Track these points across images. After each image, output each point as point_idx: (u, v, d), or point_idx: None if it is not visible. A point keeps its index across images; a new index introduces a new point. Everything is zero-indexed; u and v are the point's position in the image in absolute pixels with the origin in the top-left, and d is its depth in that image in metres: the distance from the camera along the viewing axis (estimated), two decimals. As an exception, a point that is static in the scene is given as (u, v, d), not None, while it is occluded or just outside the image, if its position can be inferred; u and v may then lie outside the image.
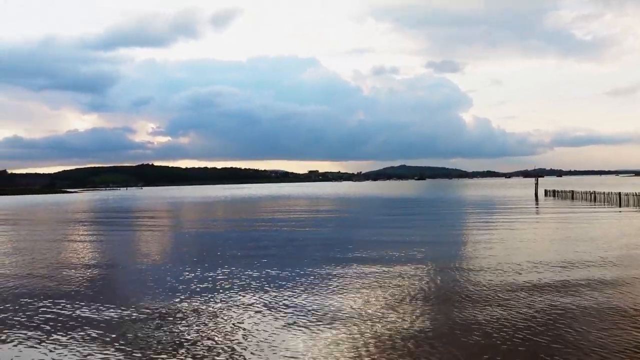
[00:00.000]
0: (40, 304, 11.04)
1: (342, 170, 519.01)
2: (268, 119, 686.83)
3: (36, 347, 8.49)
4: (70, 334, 8.97)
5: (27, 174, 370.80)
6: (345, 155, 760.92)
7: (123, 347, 8.29)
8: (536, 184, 77.16)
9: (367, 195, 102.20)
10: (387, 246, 21.69)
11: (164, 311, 10.22)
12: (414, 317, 9.86)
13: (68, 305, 10.86)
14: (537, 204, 55.80)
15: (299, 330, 9.11)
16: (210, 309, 10.30)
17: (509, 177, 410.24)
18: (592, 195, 57.13)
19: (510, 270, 15.15)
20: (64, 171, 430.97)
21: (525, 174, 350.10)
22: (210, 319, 9.65)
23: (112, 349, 8.24)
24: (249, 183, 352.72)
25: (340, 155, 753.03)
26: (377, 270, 15.39)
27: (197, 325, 9.32)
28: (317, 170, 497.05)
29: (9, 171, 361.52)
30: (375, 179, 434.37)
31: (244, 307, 10.45)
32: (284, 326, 9.27)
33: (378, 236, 27.04)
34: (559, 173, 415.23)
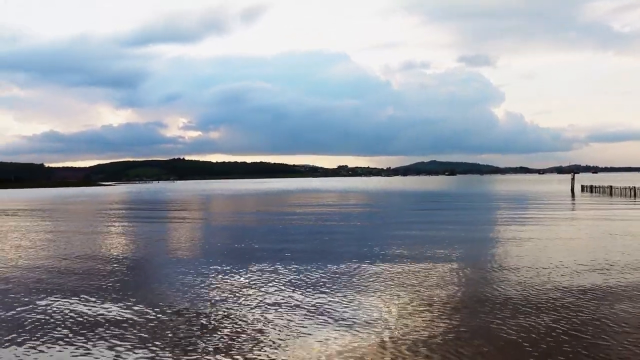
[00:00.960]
0: (71, 300, 10.83)
1: (372, 166, 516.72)
2: (297, 113, 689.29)
3: (63, 346, 8.20)
4: (98, 331, 8.76)
5: (63, 168, 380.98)
6: (374, 151, 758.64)
7: (153, 344, 7.96)
8: (572, 179, 74.98)
9: (397, 189, 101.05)
10: (419, 242, 21.05)
11: (192, 307, 9.92)
12: (443, 320, 9.09)
13: (98, 300, 10.66)
14: (573, 199, 54.10)
15: (331, 329, 8.59)
16: (240, 306, 9.93)
17: (543, 173, 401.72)
18: (632, 191, 55.02)
19: (549, 270, 14.12)
20: (99, 165, 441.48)
21: (560, 170, 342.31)
22: (239, 318, 9.23)
23: (141, 347, 7.91)
24: (278, 177, 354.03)
25: (369, 151, 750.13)
26: (407, 268, 14.67)
27: (223, 323, 8.93)
28: (346, 165, 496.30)
29: (47, 165, 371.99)
30: (404, 175, 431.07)
31: (272, 305, 9.96)
32: (311, 324, 8.73)
33: (409, 231, 26.39)
34: (595, 169, 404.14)
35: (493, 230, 26.12)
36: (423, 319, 9.28)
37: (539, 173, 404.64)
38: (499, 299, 10.85)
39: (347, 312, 9.68)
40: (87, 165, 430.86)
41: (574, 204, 48.16)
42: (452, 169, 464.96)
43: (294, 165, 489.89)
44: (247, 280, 12.70)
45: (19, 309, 10.78)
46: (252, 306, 10.01)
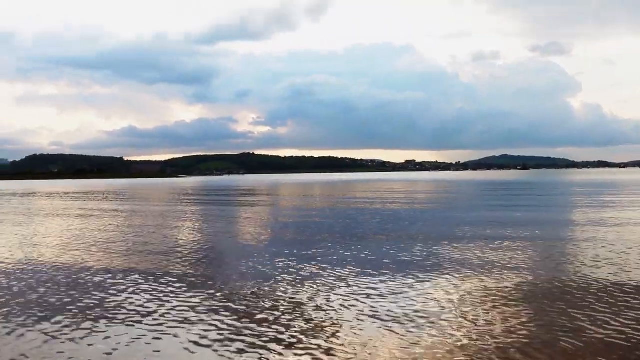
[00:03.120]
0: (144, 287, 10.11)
1: (440, 160, 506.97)
2: (365, 107, 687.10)
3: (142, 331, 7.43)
4: (169, 318, 8.02)
5: (140, 161, 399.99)
6: (443, 144, 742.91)
7: (222, 337, 7.11)
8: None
9: (468, 179, 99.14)
10: (500, 224, 20.68)
11: (260, 297, 9.21)
12: (515, 320, 7.69)
13: (169, 287, 10.08)
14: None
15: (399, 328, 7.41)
16: (310, 297, 9.15)
17: (624, 167, 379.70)
18: None
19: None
20: (173, 159, 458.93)
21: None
22: (311, 310, 8.32)
23: (208, 337, 7.10)
24: (345, 172, 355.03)
25: (437, 145, 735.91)
26: (488, 249, 13.88)
27: (292, 316, 8.02)
28: (414, 160, 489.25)
29: (126, 158, 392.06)
30: (474, 169, 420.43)
31: (343, 297, 9.10)
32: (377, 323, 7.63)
33: (490, 212, 26.26)
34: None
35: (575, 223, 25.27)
36: (489, 318, 7.79)
37: (620, 167, 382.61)
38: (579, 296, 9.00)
39: (426, 303, 8.62)
40: (162, 159, 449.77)
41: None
42: (524, 163, 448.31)
43: (361, 159, 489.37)
44: (316, 266, 11.87)
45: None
46: (321, 295, 9.27)
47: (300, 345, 6.71)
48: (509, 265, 11.54)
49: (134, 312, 8.29)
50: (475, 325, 7.38)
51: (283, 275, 10.86)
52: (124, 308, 8.57)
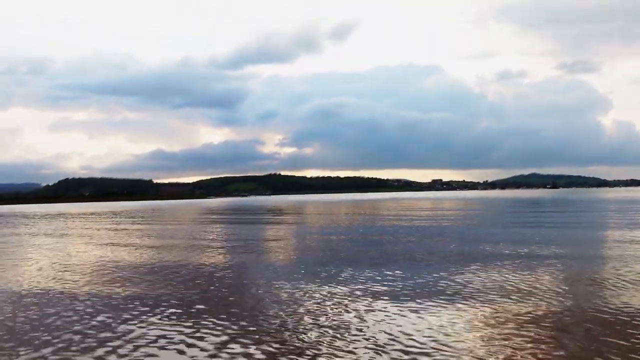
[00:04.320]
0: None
1: (467, 179, 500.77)
2: (390, 127, 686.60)
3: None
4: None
5: (169, 183, 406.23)
6: (470, 164, 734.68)
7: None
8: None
9: (495, 196, 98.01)
10: (528, 241, 20.33)
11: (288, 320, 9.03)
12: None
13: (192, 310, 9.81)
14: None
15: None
16: (341, 317, 9.02)
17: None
18: None
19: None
20: (200, 180, 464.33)
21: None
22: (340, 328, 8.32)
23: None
24: (371, 192, 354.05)
25: (464, 164, 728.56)
26: (517, 270, 13.28)
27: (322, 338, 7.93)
28: (441, 179, 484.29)
29: (155, 180, 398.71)
30: (502, 188, 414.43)
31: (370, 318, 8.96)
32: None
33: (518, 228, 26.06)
34: None
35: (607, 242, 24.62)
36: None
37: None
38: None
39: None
40: (190, 181, 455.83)
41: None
42: (554, 181, 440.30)
43: (387, 179, 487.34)
44: (345, 286, 11.63)
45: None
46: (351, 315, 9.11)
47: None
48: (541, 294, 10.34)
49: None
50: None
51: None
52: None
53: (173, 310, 9.67)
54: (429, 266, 13.93)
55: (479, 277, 12.16)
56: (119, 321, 8.96)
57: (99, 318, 9.14)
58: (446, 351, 7.05)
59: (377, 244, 19.79)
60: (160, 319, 9.04)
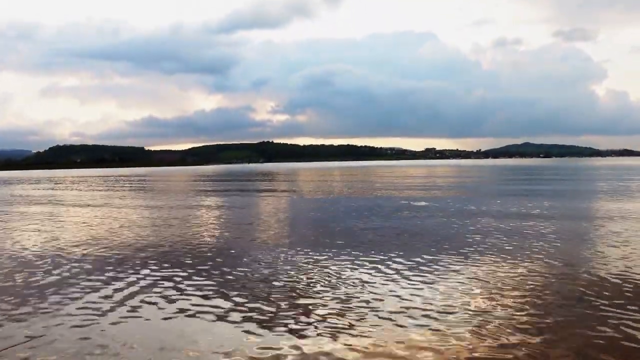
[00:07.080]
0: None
1: (461, 148, 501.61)
2: (385, 96, 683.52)
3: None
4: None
5: (161, 150, 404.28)
6: (463, 133, 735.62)
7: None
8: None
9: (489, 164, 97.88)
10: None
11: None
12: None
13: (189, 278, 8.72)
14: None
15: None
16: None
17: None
18: None
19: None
20: (193, 148, 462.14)
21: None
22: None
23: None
24: (365, 160, 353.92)
25: (458, 133, 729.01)
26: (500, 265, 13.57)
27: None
28: (434, 148, 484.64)
29: (146, 148, 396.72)
30: (495, 157, 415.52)
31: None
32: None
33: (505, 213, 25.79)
34: None
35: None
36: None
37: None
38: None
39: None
40: (182, 148, 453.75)
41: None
42: (547, 151, 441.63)
43: (380, 147, 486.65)
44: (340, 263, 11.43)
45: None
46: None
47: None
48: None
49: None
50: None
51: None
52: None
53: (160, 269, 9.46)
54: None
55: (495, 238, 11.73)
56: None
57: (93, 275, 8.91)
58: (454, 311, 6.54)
59: (365, 210, 19.25)
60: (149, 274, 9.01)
